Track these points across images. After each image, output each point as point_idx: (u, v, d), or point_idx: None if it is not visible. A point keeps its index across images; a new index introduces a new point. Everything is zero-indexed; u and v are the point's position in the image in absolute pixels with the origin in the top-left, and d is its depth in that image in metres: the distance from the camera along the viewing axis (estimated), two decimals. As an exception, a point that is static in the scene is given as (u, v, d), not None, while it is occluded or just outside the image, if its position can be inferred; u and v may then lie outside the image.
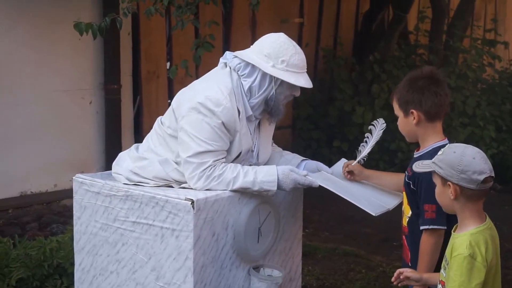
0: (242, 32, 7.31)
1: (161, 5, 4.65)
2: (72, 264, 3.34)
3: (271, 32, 3.17)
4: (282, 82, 3.04)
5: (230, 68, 3.09)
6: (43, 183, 5.95)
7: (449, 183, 2.49)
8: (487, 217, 2.56)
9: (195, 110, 2.96)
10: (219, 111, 2.95)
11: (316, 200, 6.31)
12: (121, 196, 3.04)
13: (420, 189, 2.82)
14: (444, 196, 2.54)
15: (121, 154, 3.25)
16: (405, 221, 2.96)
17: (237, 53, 3.11)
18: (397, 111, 2.96)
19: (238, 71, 3.07)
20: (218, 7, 5.61)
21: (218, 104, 2.95)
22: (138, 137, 6.33)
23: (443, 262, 2.59)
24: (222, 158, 3.00)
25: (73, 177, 3.23)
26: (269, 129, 3.25)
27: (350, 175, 3.25)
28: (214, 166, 2.97)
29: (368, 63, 7.85)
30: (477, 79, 8.29)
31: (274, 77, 3.03)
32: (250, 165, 3.13)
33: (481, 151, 2.52)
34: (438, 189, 2.56)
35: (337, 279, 4.73)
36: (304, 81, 3.08)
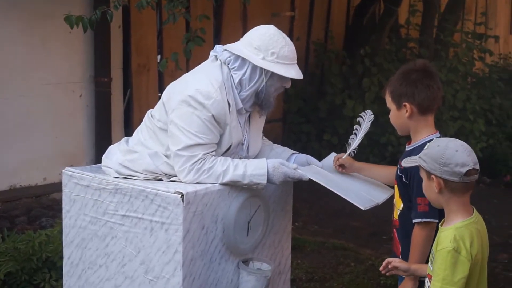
0: (233, 25, 7.30)
1: (152, -2, 4.63)
2: (61, 257, 3.33)
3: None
4: (273, 74, 3.04)
5: (221, 61, 3.08)
6: (32, 176, 5.94)
7: (433, 176, 2.50)
8: (475, 211, 2.57)
9: (185, 103, 2.95)
10: (209, 104, 2.94)
11: (305, 194, 6.33)
12: (110, 189, 3.04)
13: (412, 182, 2.83)
14: (430, 190, 2.55)
15: (111, 147, 3.24)
16: (396, 214, 2.97)
17: (227, 46, 3.10)
18: (390, 104, 2.96)
19: (228, 64, 3.06)
20: (209, 0, 5.61)
21: (209, 97, 2.95)
22: (128, 131, 6.32)
23: (430, 256, 2.60)
24: (212, 152, 3.00)
25: (63, 171, 3.22)
26: (259, 122, 3.25)
27: (341, 168, 3.25)
28: (204, 159, 2.97)
29: (359, 56, 7.85)
30: (467, 73, 8.32)
31: (265, 69, 3.03)
32: (240, 158, 3.13)
33: (465, 144, 2.53)
34: (424, 183, 2.57)
35: (326, 273, 4.74)
36: (294, 72, 3.08)
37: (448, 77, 7.81)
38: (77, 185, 3.14)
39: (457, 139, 2.55)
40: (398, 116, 2.94)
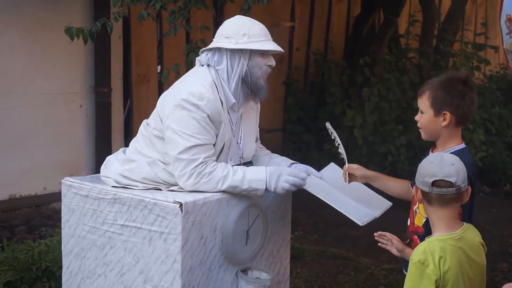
0: (233, 35, 7.31)
1: (153, 9, 4.67)
2: (61, 267, 3.33)
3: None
4: (251, 54, 3.07)
5: (204, 64, 3.13)
6: (32, 186, 5.95)
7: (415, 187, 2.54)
8: (464, 228, 2.54)
9: (179, 107, 2.97)
10: (203, 104, 2.97)
11: (304, 203, 6.31)
12: (109, 199, 3.05)
13: None
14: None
15: (108, 158, 3.26)
16: (420, 221, 2.90)
17: (202, 49, 3.17)
18: (426, 107, 2.89)
19: (210, 63, 3.10)
20: (209, 11, 5.63)
21: (202, 98, 2.97)
22: (128, 140, 6.29)
23: None
24: (212, 156, 3.02)
25: (62, 180, 3.23)
26: (251, 121, 3.26)
27: (351, 178, 3.24)
28: (206, 163, 2.98)
29: (359, 66, 7.87)
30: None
31: (241, 51, 3.05)
32: (240, 158, 3.16)
33: (449, 157, 2.53)
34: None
35: (326, 282, 4.75)
36: (271, 45, 3.10)
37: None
38: (76, 195, 3.15)
39: (446, 154, 2.56)
40: (433, 122, 2.89)
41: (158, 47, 6.88)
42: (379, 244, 2.80)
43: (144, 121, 3.21)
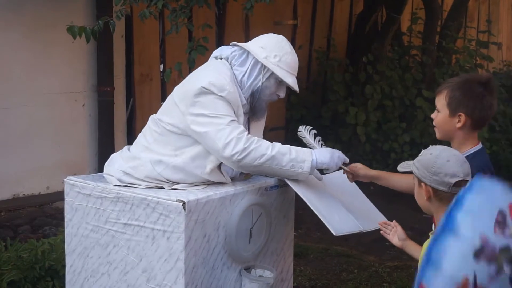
0: (235, 34, 7.31)
1: (155, 8, 4.66)
2: (64, 266, 3.34)
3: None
4: (270, 76, 3.07)
5: (223, 58, 3.12)
6: (35, 185, 5.95)
7: (422, 183, 2.51)
8: None
9: (202, 94, 2.96)
10: (224, 95, 2.97)
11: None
12: (112, 198, 3.05)
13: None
14: (420, 196, 2.56)
15: (113, 156, 3.25)
16: None
17: (235, 42, 3.16)
18: (442, 107, 2.84)
19: (232, 60, 3.10)
20: (211, 9, 5.63)
21: (222, 89, 2.97)
22: (131, 139, 6.32)
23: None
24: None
25: (65, 180, 3.23)
26: (258, 126, 3.26)
27: (353, 177, 3.22)
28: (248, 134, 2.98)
29: (362, 64, 7.87)
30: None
31: (264, 67, 3.06)
32: None
33: (459, 154, 2.52)
34: (415, 189, 2.58)
35: (329, 280, 4.74)
36: (292, 81, 3.11)
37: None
38: (79, 194, 3.15)
39: (451, 149, 2.54)
40: (447, 122, 2.83)
41: (160, 46, 6.88)
42: (381, 232, 2.79)
43: (153, 117, 3.17)
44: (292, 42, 7.97)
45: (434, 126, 2.91)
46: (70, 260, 3.24)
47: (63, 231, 3.31)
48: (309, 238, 5.62)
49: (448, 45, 8.33)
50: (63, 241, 3.44)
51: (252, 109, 3.13)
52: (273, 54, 3.06)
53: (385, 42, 8.18)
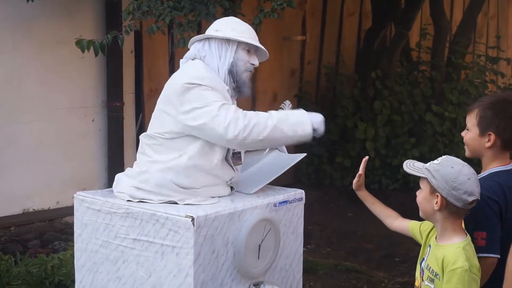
0: (244, 49, 7.33)
1: (162, 23, 4.69)
2: (74, 281, 3.34)
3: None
4: (238, 47, 3.11)
5: (193, 58, 3.17)
6: (45, 200, 5.97)
7: (437, 194, 2.51)
8: (467, 233, 2.59)
9: (185, 90, 2.98)
10: (206, 83, 3.00)
11: (317, 216, 6.31)
12: (121, 213, 3.05)
13: (470, 214, 2.66)
14: (428, 203, 2.56)
15: (118, 175, 3.22)
16: None
17: (192, 39, 3.23)
18: (472, 125, 2.82)
19: (200, 54, 3.14)
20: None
21: (203, 78, 3.01)
22: (141, 154, 6.34)
23: (427, 273, 2.59)
24: None
25: (74, 195, 3.24)
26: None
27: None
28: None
29: (370, 79, 7.87)
30: (479, 95, 8.31)
31: (229, 42, 3.11)
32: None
33: (475, 173, 2.55)
34: (424, 195, 2.58)
35: (339, 296, 4.73)
36: (256, 42, 3.16)
37: (459, 100, 7.81)
38: (89, 209, 3.15)
39: (468, 165, 2.55)
40: (477, 141, 2.81)
41: (170, 61, 6.91)
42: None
43: (144, 134, 3.18)
44: (301, 57, 8.00)
45: (464, 144, 2.88)
46: (79, 276, 3.24)
47: (73, 246, 3.32)
48: (318, 253, 5.61)
49: (457, 61, 8.33)
50: (72, 256, 3.44)
51: (236, 87, 3.15)
52: (229, 29, 3.13)
53: (394, 57, 8.20)
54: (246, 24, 3.22)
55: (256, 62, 3.19)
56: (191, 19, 4.79)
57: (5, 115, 5.71)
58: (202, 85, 2.98)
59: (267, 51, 3.24)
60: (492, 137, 2.76)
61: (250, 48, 3.15)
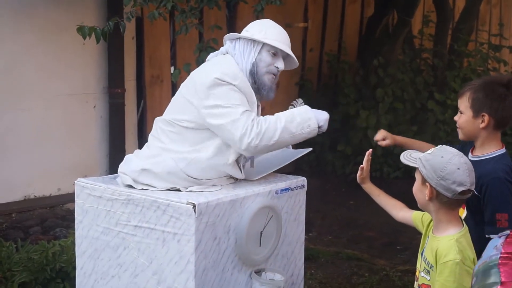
0: (246, 36, 7.30)
1: (164, 9, 4.66)
2: (75, 268, 3.34)
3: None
4: (262, 49, 3.12)
5: (222, 54, 3.18)
6: (46, 187, 5.96)
7: (427, 184, 2.49)
8: (463, 222, 2.58)
9: (215, 85, 2.98)
10: (237, 84, 3.01)
11: (319, 203, 6.31)
12: (122, 200, 3.04)
13: (489, 196, 2.76)
14: (420, 193, 2.55)
15: (128, 156, 3.21)
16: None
17: (226, 36, 3.24)
18: (465, 108, 2.90)
19: (230, 51, 3.15)
20: (221, 11, 5.62)
21: (235, 77, 3.02)
22: (142, 141, 6.33)
23: (424, 264, 2.58)
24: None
25: (75, 181, 3.23)
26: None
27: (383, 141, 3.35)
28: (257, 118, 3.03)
29: (372, 67, 7.84)
30: (482, 83, 8.28)
31: (254, 43, 3.11)
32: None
33: (468, 162, 2.51)
34: (417, 185, 2.57)
35: (340, 283, 4.72)
36: (283, 46, 3.14)
37: (462, 87, 7.78)
38: (90, 195, 3.15)
39: (462, 155, 2.53)
40: (471, 123, 2.89)
41: (171, 48, 6.88)
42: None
43: (161, 118, 3.16)
44: (303, 44, 7.96)
45: (458, 128, 2.95)
46: (80, 262, 3.24)
47: (74, 233, 3.31)
48: (320, 241, 5.61)
49: (460, 48, 8.30)
50: (73, 243, 3.45)
51: (257, 89, 3.13)
52: (257, 30, 3.14)
53: (396, 45, 8.16)
54: (280, 28, 3.22)
55: (281, 66, 3.18)
56: (193, 5, 4.76)
57: (6, 102, 5.69)
58: (233, 84, 3.00)
59: (296, 59, 3.23)
60: (486, 117, 2.85)
61: (277, 52, 3.14)
